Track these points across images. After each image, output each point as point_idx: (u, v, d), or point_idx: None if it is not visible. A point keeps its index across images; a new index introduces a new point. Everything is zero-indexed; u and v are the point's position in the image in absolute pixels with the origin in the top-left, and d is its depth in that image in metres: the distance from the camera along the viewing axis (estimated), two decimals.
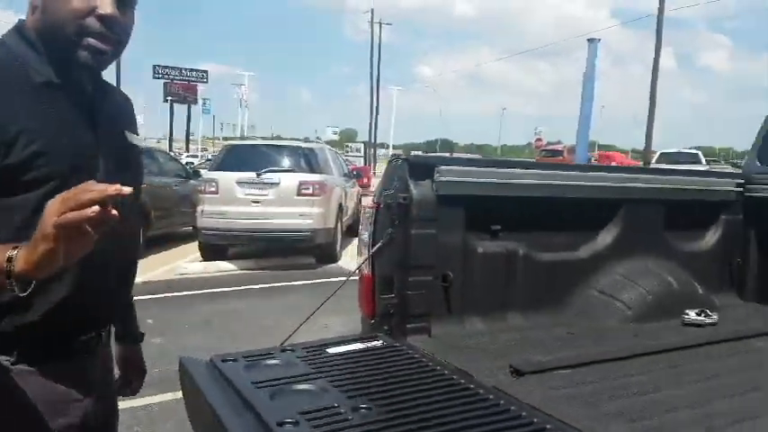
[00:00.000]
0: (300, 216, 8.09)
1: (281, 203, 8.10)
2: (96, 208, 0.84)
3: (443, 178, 2.08)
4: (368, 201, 2.21)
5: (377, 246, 2.01)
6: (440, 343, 1.99)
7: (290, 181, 8.22)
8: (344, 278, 2.10)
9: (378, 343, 1.88)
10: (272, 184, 8.19)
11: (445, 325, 2.13)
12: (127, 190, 0.88)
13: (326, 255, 8.69)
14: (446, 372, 1.61)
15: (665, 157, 23.73)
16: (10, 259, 0.88)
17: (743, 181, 2.77)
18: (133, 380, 1.51)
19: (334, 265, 8.61)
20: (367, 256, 2.03)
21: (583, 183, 2.36)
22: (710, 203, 2.73)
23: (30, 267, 0.88)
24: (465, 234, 2.18)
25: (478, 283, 2.20)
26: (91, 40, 1.09)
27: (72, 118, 1.13)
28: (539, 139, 39.63)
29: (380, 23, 38.51)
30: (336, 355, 1.72)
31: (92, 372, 1.23)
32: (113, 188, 0.86)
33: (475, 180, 2.15)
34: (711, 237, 2.77)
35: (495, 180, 2.17)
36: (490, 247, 2.24)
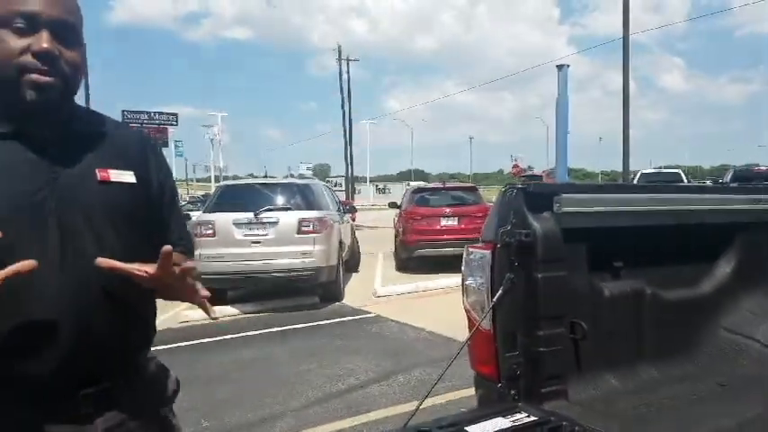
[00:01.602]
0: (303, 255, 7.66)
1: (282, 242, 7.66)
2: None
3: (566, 209, 1.75)
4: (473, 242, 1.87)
5: (497, 295, 1.66)
6: (584, 410, 1.63)
7: (289, 219, 7.80)
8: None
9: (523, 416, 1.51)
10: (271, 223, 7.77)
11: (578, 385, 1.77)
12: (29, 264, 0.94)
13: (330, 293, 8.25)
14: None
15: (645, 178, 23.87)
16: None
17: None
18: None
19: (338, 303, 8.19)
20: (488, 308, 1.67)
21: (704, 206, 2.06)
22: None
23: None
24: (589, 275, 1.85)
25: (607, 331, 1.85)
26: (32, 76, 1.05)
27: (17, 162, 1.08)
28: (516, 165, 39.94)
29: (348, 59, 38.54)
30: None
31: None
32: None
33: (600, 209, 1.82)
34: None
35: (623, 208, 1.85)
36: (616, 287, 1.90)
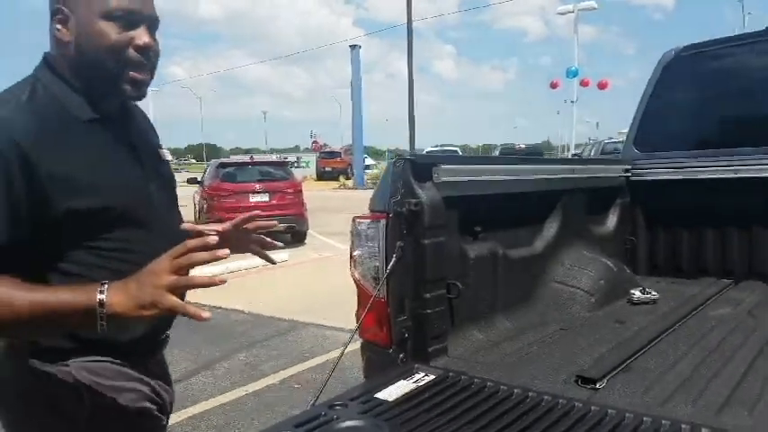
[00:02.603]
0: None
1: None
2: (212, 279, 0.96)
3: (444, 178, 1.86)
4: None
5: (391, 262, 1.71)
6: (466, 363, 1.77)
7: None
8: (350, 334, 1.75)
9: (422, 375, 1.60)
10: None
11: (453, 341, 1.92)
12: (225, 253, 0.99)
13: None
14: (530, 394, 1.45)
15: (428, 155, 26.13)
16: (102, 303, 0.94)
17: (629, 166, 3.09)
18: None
19: None
20: (384, 276, 1.71)
21: (551, 176, 2.36)
22: (610, 189, 2.99)
23: (127, 312, 0.94)
24: (459, 238, 2.00)
25: (471, 289, 2.03)
26: (132, 73, 1.11)
27: (118, 152, 1.16)
28: (315, 142, 40.45)
29: None
30: (400, 401, 1.42)
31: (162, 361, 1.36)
32: (222, 252, 0.98)
33: (472, 179, 1.98)
34: (612, 219, 3.03)
35: (496, 177, 2.03)
36: (477, 249, 2.09)
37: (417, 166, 1.78)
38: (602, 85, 29.02)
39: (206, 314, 0.94)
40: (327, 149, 33.90)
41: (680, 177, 2.97)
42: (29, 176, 0.99)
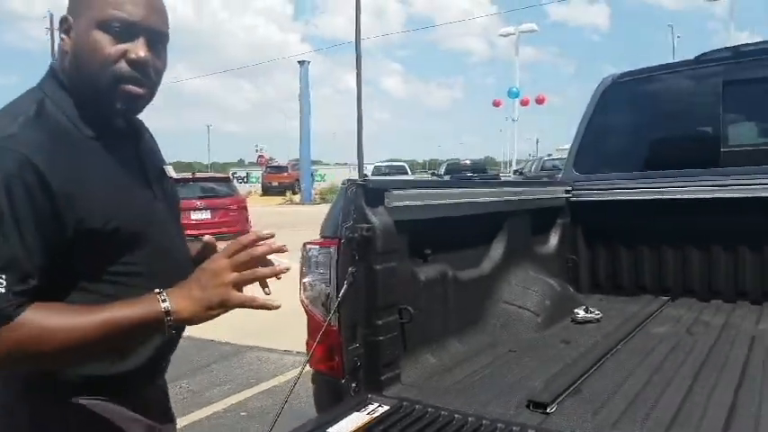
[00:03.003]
0: None
1: None
2: (274, 269, 1.01)
3: (395, 203, 1.86)
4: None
5: (343, 289, 1.68)
6: (419, 390, 1.76)
7: None
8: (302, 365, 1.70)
9: (376, 406, 1.58)
10: None
11: (406, 367, 1.90)
12: (284, 248, 1.01)
13: None
14: (484, 422, 1.45)
15: (377, 170, 26.35)
16: (168, 312, 0.96)
17: (569, 188, 3.18)
18: None
19: None
20: (336, 303, 1.67)
21: (497, 198, 2.40)
22: (552, 209, 3.07)
23: (195, 316, 0.97)
24: (410, 262, 1.99)
25: (423, 313, 2.02)
26: (126, 87, 1.05)
27: (128, 170, 1.11)
28: (261, 156, 39.86)
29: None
30: None
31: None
32: (279, 246, 1.00)
33: (423, 203, 1.98)
34: (554, 239, 3.11)
35: (439, 201, 2.04)
36: (427, 272, 2.09)
37: (369, 191, 1.76)
38: (539, 100, 30.12)
39: (277, 303, 0.97)
40: (274, 164, 33.43)
41: (617, 198, 3.09)
42: (45, 195, 0.94)
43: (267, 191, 31.48)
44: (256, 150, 44.05)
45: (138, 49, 1.03)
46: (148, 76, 1.07)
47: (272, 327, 5.66)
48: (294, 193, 28.96)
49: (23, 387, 1.04)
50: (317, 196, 25.76)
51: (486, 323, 2.36)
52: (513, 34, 29.75)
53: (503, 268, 2.53)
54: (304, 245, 1.79)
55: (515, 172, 26.80)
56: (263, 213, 17.82)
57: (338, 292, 1.68)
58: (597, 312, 2.58)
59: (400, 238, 1.89)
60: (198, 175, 11.63)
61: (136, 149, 1.16)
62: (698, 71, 3.10)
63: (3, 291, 0.88)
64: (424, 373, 1.95)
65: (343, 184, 1.76)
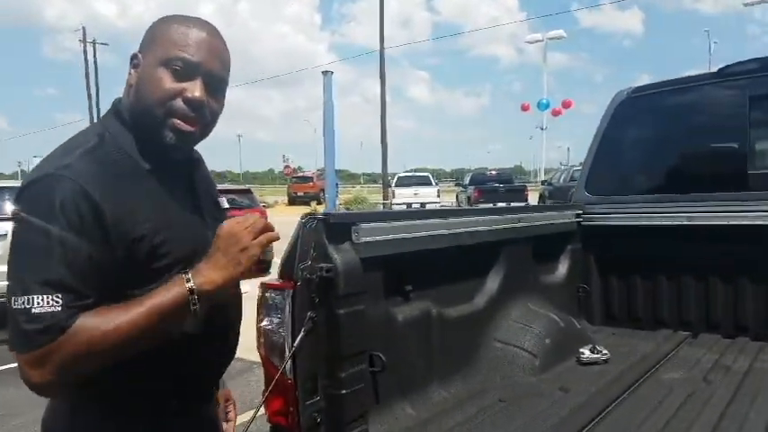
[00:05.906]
0: None
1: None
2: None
3: (364, 238, 1.67)
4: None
5: (298, 337, 1.50)
6: None
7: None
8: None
9: None
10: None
11: (378, 420, 1.70)
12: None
13: None
14: None
15: (400, 180, 26.12)
16: (192, 291, 1.03)
17: (581, 211, 2.94)
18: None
19: None
20: (289, 353, 1.49)
21: (492, 226, 2.20)
22: (561, 235, 2.83)
23: (227, 280, 1.06)
24: (386, 302, 1.80)
25: (400, 358, 1.83)
26: (175, 121, 1.10)
27: (183, 202, 1.17)
28: (287, 166, 40.06)
29: (94, 43, 34.26)
30: None
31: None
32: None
33: (400, 236, 1.79)
34: (563, 267, 2.87)
35: (417, 234, 1.84)
36: (407, 311, 1.89)
37: (332, 226, 1.58)
38: (566, 104, 29.50)
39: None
40: (300, 174, 33.51)
41: (632, 223, 2.84)
42: (97, 221, 1.00)
43: (293, 201, 31.56)
44: (284, 161, 44.18)
45: (195, 89, 1.09)
46: (203, 116, 1.11)
47: None
48: (319, 203, 28.95)
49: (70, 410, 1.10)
50: (341, 206, 25.67)
51: (477, 366, 2.14)
52: (541, 41, 29.33)
53: (498, 303, 2.31)
54: (260, 284, 1.61)
55: (543, 182, 26.25)
56: (285, 223, 17.75)
57: (293, 339, 1.49)
58: (605, 352, 2.34)
59: (372, 277, 1.70)
60: (219, 187, 11.60)
61: (190, 180, 1.22)
62: (721, 84, 2.84)
63: (59, 309, 0.95)
64: (399, 427, 1.75)
65: (302, 218, 1.58)
